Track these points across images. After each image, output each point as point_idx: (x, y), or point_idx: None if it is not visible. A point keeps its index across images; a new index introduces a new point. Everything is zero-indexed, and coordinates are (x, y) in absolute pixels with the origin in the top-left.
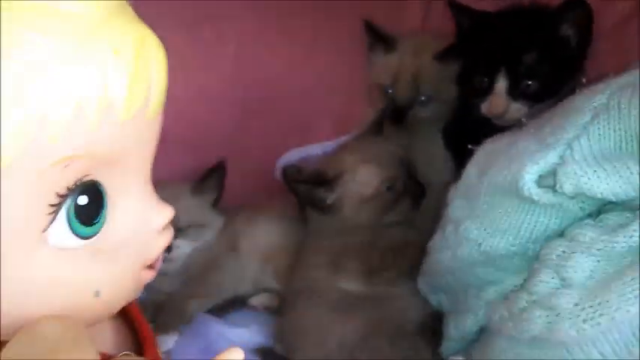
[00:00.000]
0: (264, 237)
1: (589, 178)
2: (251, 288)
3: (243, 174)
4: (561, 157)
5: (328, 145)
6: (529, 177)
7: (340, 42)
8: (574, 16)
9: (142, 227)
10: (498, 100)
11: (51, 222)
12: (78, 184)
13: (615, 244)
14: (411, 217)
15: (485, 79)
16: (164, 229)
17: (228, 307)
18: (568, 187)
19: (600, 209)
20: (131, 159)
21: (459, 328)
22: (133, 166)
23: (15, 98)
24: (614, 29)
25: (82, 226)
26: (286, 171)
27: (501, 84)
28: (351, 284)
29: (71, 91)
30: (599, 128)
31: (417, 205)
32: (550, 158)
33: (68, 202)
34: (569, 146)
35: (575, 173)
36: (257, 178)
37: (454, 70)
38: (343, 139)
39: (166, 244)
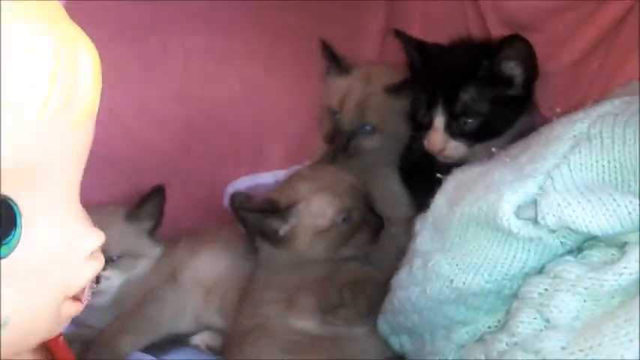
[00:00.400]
0: (208, 269)
1: (573, 210)
2: (192, 325)
3: (186, 200)
4: (541, 187)
5: (280, 174)
6: (508, 207)
7: (297, 64)
8: (515, 53)
9: (65, 252)
10: (436, 137)
11: None
12: None
13: (604, 283)
14: (368, 252)
15: (426, 114)
16: (92, 256)
17: (167, 345)
18: (551, 218)
19: (581, 246)
20: (53, 172)
21: None
22: (56, 180)
23: None
24: (572, 66)
25: None
26: (235, 199)
27: (439, 120)
28: (306, 323)
29: None
30: (580, 158)
31: (375, 238)
32: (530, 188)
33: None
34: (550, 176)
35: (559, 204)
36: (202, 205)
37: (403, 105)
38: (296, 167)
39: (94, 274)
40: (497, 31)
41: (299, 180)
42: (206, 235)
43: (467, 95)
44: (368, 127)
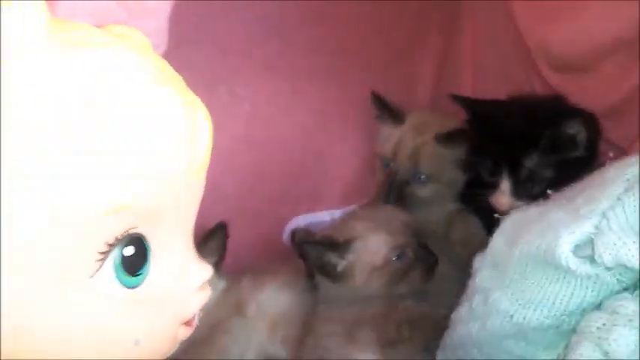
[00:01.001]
0: (272, 302)
1: (629, 249)
2: (256, 356)
3: (249, 237)
4: (597, 227)
5: (337, 213)
6: (566, 246)
7: (353, 110)
8: (576, 127)
9: (181, 283)
10: (502, 199)
11: (98, 269)
12: (125, 235)
13: None
14: (424, 289)
15: (491, 176)
16: (202, 287)
17: None
18: (607, 257)
19: (636, 283)
20: (176, 217)
21: None
22: (178, 222)
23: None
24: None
25: (127, 276)
26: (296, 234)
27: (505, 184)
28: (366, 355)
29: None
30: (634, 200)
31: (429, 275)
32: (586, 228)
33: (115, 251)
34: (605, 216)
35: (615, 244)
36: (264, 242)
37: (457, 154)
38: (352, 207)
39: (204, 302)
40: (549, 74)
41: (355, 218)
42: (270, 269)
43: (531, 162)
44: (422, 177)
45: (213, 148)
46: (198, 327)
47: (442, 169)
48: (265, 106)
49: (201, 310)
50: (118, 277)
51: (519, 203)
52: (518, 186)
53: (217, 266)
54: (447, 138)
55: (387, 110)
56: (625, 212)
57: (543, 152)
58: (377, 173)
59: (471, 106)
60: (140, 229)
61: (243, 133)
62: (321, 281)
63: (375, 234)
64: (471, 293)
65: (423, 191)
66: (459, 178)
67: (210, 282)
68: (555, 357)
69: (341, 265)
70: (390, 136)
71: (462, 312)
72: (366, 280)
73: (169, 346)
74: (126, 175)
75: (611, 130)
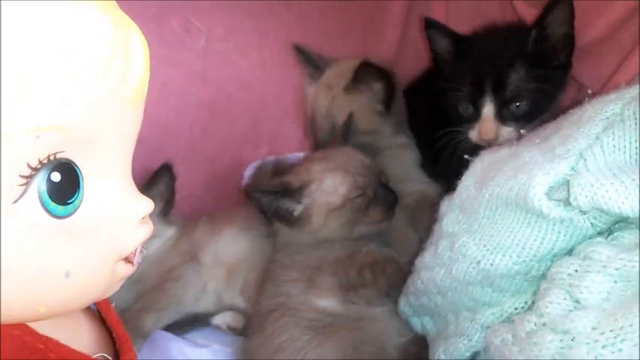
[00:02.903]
0: (229, 249)
1: (606, 191)
2: (214, 305)
3: (206, 181)
4: (573, 168)
5: (301, 157)
6: (540, 188)
7: (316, 48)
8: (562, 14)
9: (119, 215)
10: (489, 126)
11: (22, 194)
12: (51, 159)
13: (635, 264)
14: (384, 233)
15: (470, 106)
16: (143, 221)
17: (189, 325)
18: (583, 199)
19: (611, 227)
20: (108, 143)
21: (449, 354)
22: (111, 150)
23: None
24: (593, 44)
25: (56, 205)
26: (248, 186)
27: (488, 109)
28: (327, 301)
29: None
30: (613, 139)
31: (389, 213)
32: (562, 168)
33: (40, 176)
34: (582, 156)
35: (592, 185)
36: (223, 186)
37: (372, 97)
38: None
39: (145, 237)
40: (524, 9)
41: (312, 161)
42: (226, 215)
43: (517, 76)
44: None
45: (165, 83)
46: (149, 275)
47: (362, 119)
48: (223, 41)
49: (143, 247)
50: (45, 204)
51: (505, 129)
52: (503, 108)
53: (165, 212)
54: (354, 83)
55: (309, 64)
56: (604, 152)
57: (528, 62)
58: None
59: (448, 32)
60: (69, 155)
61: (199, 68)
62: (280, 227)
63: (332, 174)
64: (436, 238)
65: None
66: (378, 122)
67: (158, 229)
68: (523, 304)
69: (297, 209)
70: (309, 96)
71: (426, 258)
72: (324, 221)
73: (106, 282)
74: (46, 94)
75: (584, 71)
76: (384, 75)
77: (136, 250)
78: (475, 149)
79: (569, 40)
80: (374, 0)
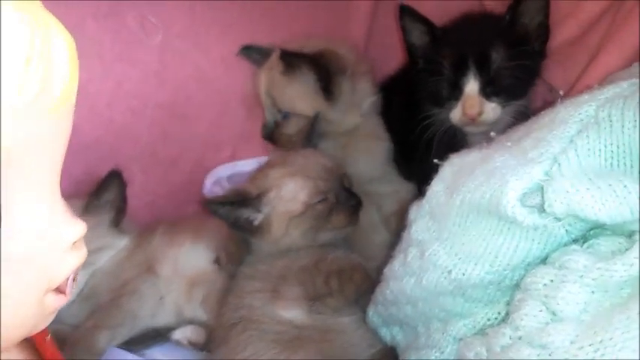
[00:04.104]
0: (191, 260)
1: (582, 197)
2: (172, 319)
3: (166, 187)
4: (547, 173)
5: (264, 160)
6: (513, 194)
7: (280, 44)
8: (535, 4)
9: (45, 243)
10: (473, 101)
11: None
12: None
13: (613, 274)
14: (350, 240)
15: (450, 87)
16: (75, 247)
17: (148, 340)
18: (558, 206)
19: (586, 234)
20: (32, 159)
21: None
22: (35, 167)
23: None
24: (563, 46)
25: None
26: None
27: (472, 85)
28: (292, 313)
29: None
30: (588, 142)
31: (353, 217)
32: (535, 173)
33: None
34: (556, 161)
35: (567, 191)
36: (183, 191)
37: (304, 82)
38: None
39: (77, 265)
40: (495, 8)
41: (270, 167)
42: (187, 225)
43: (497, 55)
44: (285, 114)
45: (120, 82)
46: (102, 290)
47: (299, 102)
48: (182, 38)
49: (76, 274)
50: None
51: (489, 105)
52: (486, 84)
53: (116, 221)
54: (288, 66)
55: (259, 56)
56: (578, 156)
57: (505, 42)
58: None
59: (424, 21)
60: None
61: (156, 67)
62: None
63: (291, 180)
64: (405, 246)
65: (290, 128)
66: (332, 104)
67: (110, 240)
68: (496, 314)
69: (258, 218)
70: (256, 80)
71: (395, 266)
72: (285, 230)
73: (35, 317)
74: None
75: (554, 74)
76: (311, 61)
77: (68, 279)
78: (452, 137)
79: (544, 29)
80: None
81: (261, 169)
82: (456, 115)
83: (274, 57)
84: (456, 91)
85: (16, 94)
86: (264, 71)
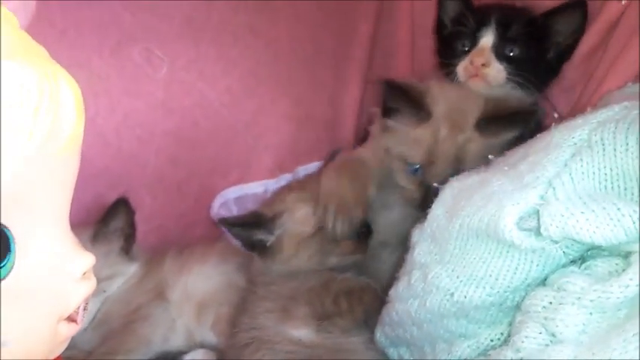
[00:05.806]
0: (200, 284)
1: (577, 220)
2: (184, 342)
3: (174, 212)
4: (543, 197)
5: (270, 184)
6: (510, 219)
7: (285, 73)
8: (571, 19)
9: (57, 275)
10: (482, 51)
11: None
12: None
13: (610, 295)
14: (361, 263)
15: (468, 41)
16: (84, 277)
17: None
18: (554, 230)
19: (584, 255)
20: (41, 197)
21: None
22: (45, 204)
23: None
24: (584, 59)
25: None
26: (220, 218)
27: (487, 39)
28: (302, 332)
29: None
30: (582, 166)
31: (362, 246)
32: (531, 198)
33: None
34: (551, 185)
35: (562, 215)
36: (191, 216)
37: (506, 137)
38: (286, 176)
39: (87, 294)
40: None
41: (287, 191)
42: (197, 249)
43: (519, 27)
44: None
45: (127, 114)
46: (114, 316)
47: (486, 158)
48: (187, 70)
49: (87, 301)
50: None
51: (496, 65)
52: (501, 44)
53: (126, 248)
54: (491, 125)
55: (408, 103)
56: (572, 180)
57: (531, 29)
58: (397, 174)
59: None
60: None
61: (162, 98)
62: (254, 258)
63: (305, 204)
64: (409, 268)
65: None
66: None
67: (120, 267)
68: (499, 335)
69: (270, 240)
70: (417, 139)
71: (400, 288)
72: (294, 252)
73: (48, 346)
74: None
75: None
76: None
77: (79, 308)
78: None
79: (568, 50)
80: (342, 22)
81: (279, 193)
82: (462, 67)
83: (455, 105)
84: (471, 46)
85: (26, 140)
86: (448, 131)
